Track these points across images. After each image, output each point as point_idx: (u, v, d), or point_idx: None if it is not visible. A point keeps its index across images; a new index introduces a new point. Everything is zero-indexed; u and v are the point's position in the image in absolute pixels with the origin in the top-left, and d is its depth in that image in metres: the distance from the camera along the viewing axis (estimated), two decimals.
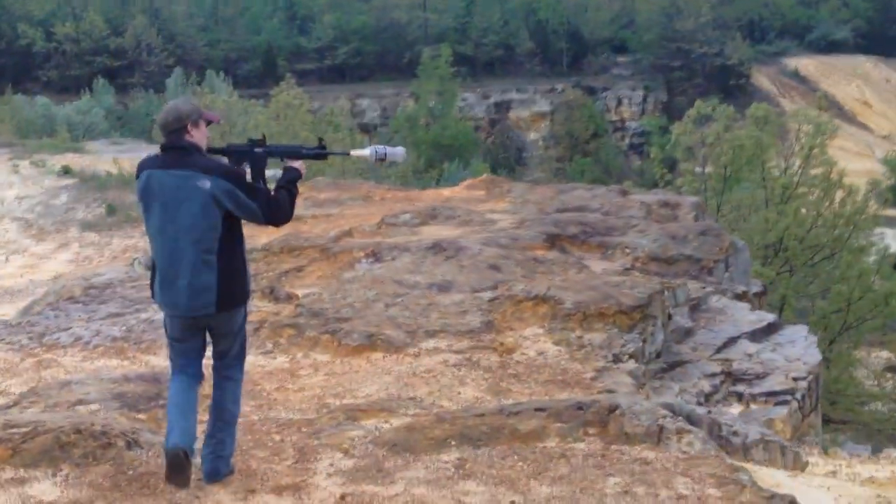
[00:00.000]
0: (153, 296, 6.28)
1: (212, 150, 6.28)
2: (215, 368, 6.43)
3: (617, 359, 10.67)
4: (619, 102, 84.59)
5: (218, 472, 6.41)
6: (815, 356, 12.35)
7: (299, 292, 12.47)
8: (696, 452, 7.34)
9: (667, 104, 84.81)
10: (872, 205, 28.74)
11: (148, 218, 6.15)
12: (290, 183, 6.24)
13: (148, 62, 78.23)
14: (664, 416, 7.79)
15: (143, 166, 6.18)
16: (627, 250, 14.34)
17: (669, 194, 19.49)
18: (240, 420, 6.85)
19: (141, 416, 8.20)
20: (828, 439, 16.77)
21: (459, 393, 9.08)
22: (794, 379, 11.60)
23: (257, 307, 12.09)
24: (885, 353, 28.99)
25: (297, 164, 6.36)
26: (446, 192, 21.25)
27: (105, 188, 23.87)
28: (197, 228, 5.99)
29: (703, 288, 13.82)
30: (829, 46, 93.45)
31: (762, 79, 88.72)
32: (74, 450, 6.72)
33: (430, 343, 10.58)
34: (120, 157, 28.59)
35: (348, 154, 7.11)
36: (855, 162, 62.79)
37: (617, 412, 7.70)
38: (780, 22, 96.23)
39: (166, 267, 6.10)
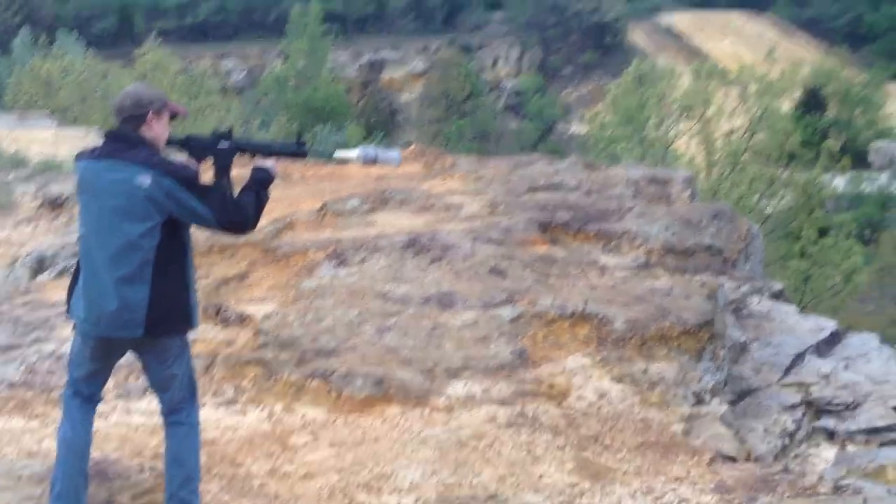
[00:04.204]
0: (68, 309, 5.42)
1: (169, 143, 5.47)
2: (163, 414, 5.61)
3: (698, 398, 8.13)
4: (495, 61, 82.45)
5: None
6: None
7: (253, 311, 9.61)
8: None
9: (542, 63, 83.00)
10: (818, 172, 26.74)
11: (79, 216, 5.38)
12: (257, 184, 5.36)
13: None
14: None
15: (80, 156, 5.41)
16: (638, 241, 11.74)
17: (656, 169, 16.97)
18: None
19: None
20: None
21: (542, 477, 6.43)
22: (895, 409, 9.21)
23: (202, 333, 9.22)
24: None
25: (268, 162, 5.47)
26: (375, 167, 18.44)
27: None
28: (130, 232, 5.14)
29: (738, 287, 11.35)
30: (703, 1, 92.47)
31: (637, 35, 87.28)
32: None
33: (459, 388, 7.86)
34: None
35: (331, 156, 6.36)
36: (733, 120, 62.08)
37: None
38: None
39: (90, 276, 5.23)
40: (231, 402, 7.99)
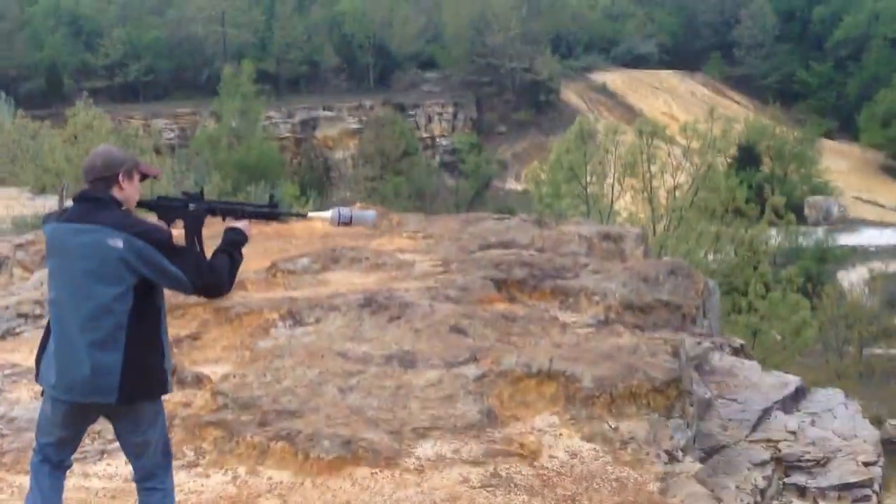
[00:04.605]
0: (37, 375, 5.21)
1: (139, 204, 5.35)
2: (136, 480, 5.37)
3: (671, 457, 7.99)
4: (430, 119, 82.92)
5: None
6: (870, 430, 9.92)
7: (209, 371, 9.34)
8: None
9: (477, 121, 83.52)
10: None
11: (48, 280, 5.22)
12: (231, 246, 5.22)
13: None
14: None
15: (47, 219, 5.25)
16: (596, 297, 11.62)
17: (608, 226, 16.94)
18: None
19: None
20: None
21: None
22: (865, 464, 9.13)
23: None
24: None
25: (241, 224, 5.33)
26: (319, 223, 18.21)
27: None
28: (103, 296, 4.98)
29: (699, 343, 11.26)
30: (635, 61, 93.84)
31: (571, 94, 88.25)
32: None
33: (428, 448, 7.65)
34: None
35: (305, 216, 5.91)
36: (676, 177, 62.81)
37: None
38: (587, 36, 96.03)
39: (61, 340, 5.05)
40: (192, 464, 7.72)
